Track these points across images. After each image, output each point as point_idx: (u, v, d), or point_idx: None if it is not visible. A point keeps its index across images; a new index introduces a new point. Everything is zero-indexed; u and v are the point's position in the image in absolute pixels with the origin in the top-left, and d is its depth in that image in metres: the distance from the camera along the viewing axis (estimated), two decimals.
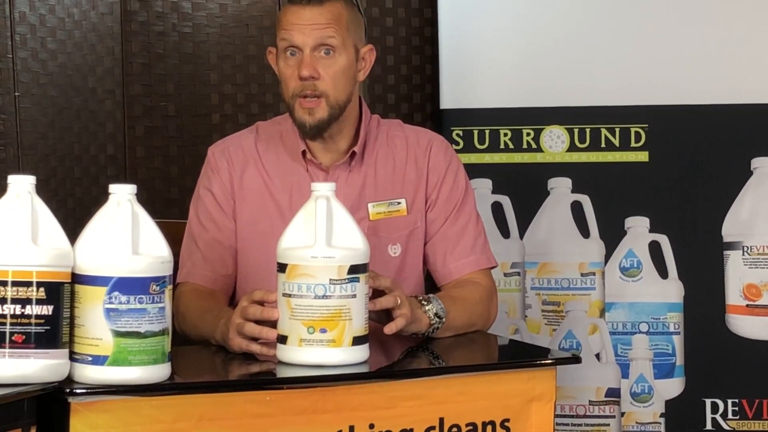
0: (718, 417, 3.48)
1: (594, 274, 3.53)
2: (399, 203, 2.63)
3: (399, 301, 2.30)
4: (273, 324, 2.18)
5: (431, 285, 2.68)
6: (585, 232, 3.53)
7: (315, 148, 2.61)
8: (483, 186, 3.52)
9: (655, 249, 3.52)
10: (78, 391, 1.95)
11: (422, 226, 2.64)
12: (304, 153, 2.60)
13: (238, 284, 2.62)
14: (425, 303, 2.41)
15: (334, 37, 2.51)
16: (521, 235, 3.55)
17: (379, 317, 2.32)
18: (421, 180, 2.65)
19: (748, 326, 3.48)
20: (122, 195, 2.01)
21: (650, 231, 3.51)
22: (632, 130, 3.52)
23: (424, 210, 2.64)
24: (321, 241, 2.14)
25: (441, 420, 2.18)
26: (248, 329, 2.22)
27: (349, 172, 2.61)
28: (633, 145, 3.52)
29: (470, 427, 2.20)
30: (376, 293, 2.29)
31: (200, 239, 2.61)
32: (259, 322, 2.22)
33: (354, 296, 2.14)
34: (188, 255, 2.61)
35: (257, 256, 2.57)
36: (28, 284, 1.91)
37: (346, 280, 2.13)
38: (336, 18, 2.52)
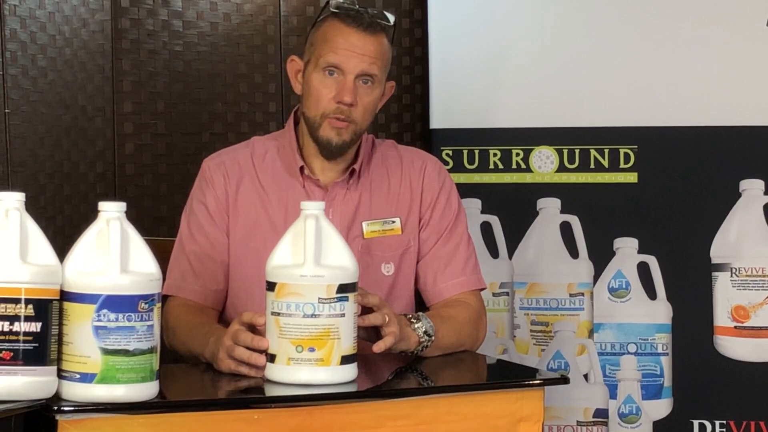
0: None
1: (582, 294, 3.53)
2: (393, 222, 2.63)
3: (387, 319, 2.30)
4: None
5: (420, 305, 2.68)
6: (574, 253, 3.54)
7: (314, 165, 2.61)
8: (472, 206, 3.52)
9: (643, 270, 3.52)
10: (66, 408, 1.95)
11: (415, 245, 2.64)
12: (302, 169, 2.60)
13: (230, 299, 2.61)
14: (414, 321, 2.41)
15: (377, 72, 2.53)
16: (510, 255, 3.55)
17: (368, 335, 2.32)
18: (415, 200, 2.65)
19: (736, 348, 3.49)
20: (111, 213, 2.01)
21: (639, 252, 3.52)
22: (621, 151, 3.53)
23: (417, 230, 2.65)
24: (310, 260, 2.14)
25: None
26: (238, 353, 2.21)
27: (346, 190, 2.61)
28: (622, 166, 3.53)
29: None
30: (365, 311, 2.29)
31: (190, 252, 2.60)
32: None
33: (343, 315, 2.14)
34: (176, 265, 2.60)
35: (250, 271, 2.56)
36: (17, 301, 1.91)
37: (335, 299, 2.13)
38: (382, 52, 2.55)
